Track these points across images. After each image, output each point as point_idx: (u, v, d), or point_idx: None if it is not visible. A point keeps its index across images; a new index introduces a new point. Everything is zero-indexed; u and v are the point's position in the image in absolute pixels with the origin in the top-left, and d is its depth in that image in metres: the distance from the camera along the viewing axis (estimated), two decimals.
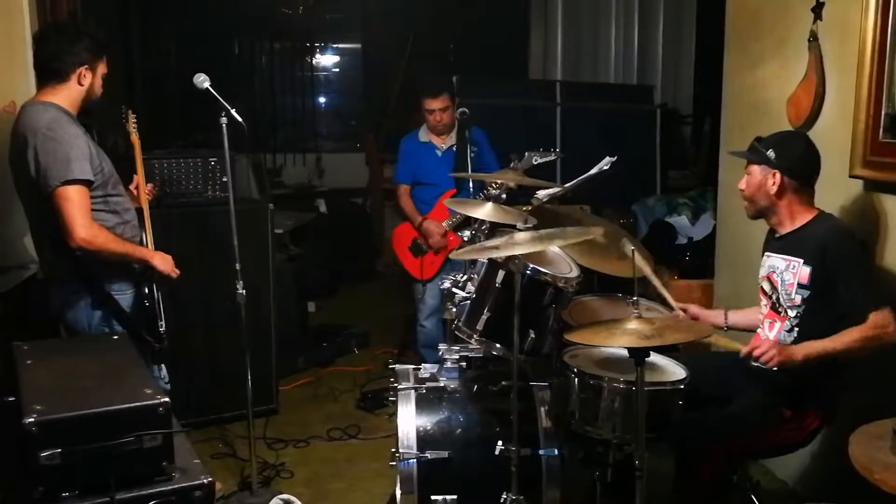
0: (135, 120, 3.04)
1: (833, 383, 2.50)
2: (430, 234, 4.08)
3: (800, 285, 2.51)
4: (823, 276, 2.45)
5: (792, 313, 2.54)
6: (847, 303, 2.41)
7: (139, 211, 2.89)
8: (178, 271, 2.83)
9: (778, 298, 2.59)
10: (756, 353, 2.41)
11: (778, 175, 2.52)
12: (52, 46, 2.65)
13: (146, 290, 2.75)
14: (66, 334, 2.78)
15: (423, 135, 4.25)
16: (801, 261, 2.51)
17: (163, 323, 2.79)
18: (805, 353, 2.39)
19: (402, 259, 4.26)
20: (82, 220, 2.53)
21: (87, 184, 2.58)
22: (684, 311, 2.84)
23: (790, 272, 2.55)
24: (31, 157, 2.53)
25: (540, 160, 3.53)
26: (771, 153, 2.53)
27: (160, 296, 2.81)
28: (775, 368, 2.41)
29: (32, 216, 2.77)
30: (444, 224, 4.04)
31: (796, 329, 2.53)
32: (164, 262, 2.78)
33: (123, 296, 2.74)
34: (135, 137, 3.01)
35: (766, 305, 2.67)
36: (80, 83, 2.68)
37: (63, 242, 2.55)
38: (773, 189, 2.54)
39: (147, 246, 2.84)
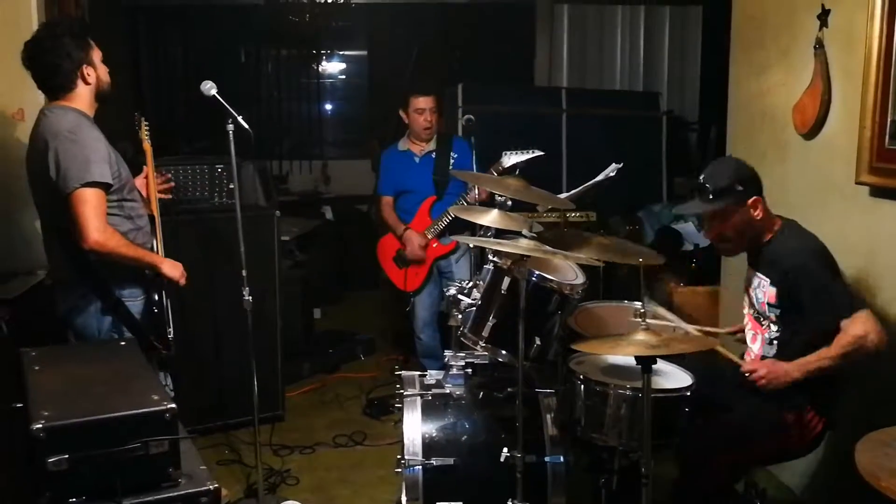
0: (147, 127, 3.05)
1: (831, 385, 2.49)
2: (409, 242, 4.02)
3: (769, 304, 2.53)
4: (788, 297, 2.45)
5: (773, 327, 2.55)
6: (819, 321, 2.40)
7: (151, 218, 2.90)
8: (186, 277, 2.84)
9: (757, 311, 2.61)
10: (753, 377, 2.43)
11: (758, 200, 2.51)
12: (44, 67, 2.65)
13: (156, 297, 2.76)
14: (74, 339, 2.79)
15: (402, 144, 4.21)
16: (769, 281, 2.52)
17: (171, 329, 2.80)
18: (802, 372, 2.38)
19: (386, 270, 4.22)
20: (97, 223, 2.54)
21: (106, 187, 2.59)
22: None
23: (761, 290, 2.56)
24: (51, 160, 2.54)
25: (515, 160, 3.45)
26: (739, 187, 2.50)
27: (168, 302, 2.82)
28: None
29: (47, 220, 2.79)
30: (425, 232, 4.02)
31: (776, 342, 2.54)
32: (173, 269, 2.79)
33: (134, 302, 2.75)
34: (147, 145, 3.01)
35: (749, 316, 2.69)
36: (87, 82, 2.70)
37: (75, 246, 2.57)
38: (761, 214, 2.53)
39: (158, 253, 2.85)
